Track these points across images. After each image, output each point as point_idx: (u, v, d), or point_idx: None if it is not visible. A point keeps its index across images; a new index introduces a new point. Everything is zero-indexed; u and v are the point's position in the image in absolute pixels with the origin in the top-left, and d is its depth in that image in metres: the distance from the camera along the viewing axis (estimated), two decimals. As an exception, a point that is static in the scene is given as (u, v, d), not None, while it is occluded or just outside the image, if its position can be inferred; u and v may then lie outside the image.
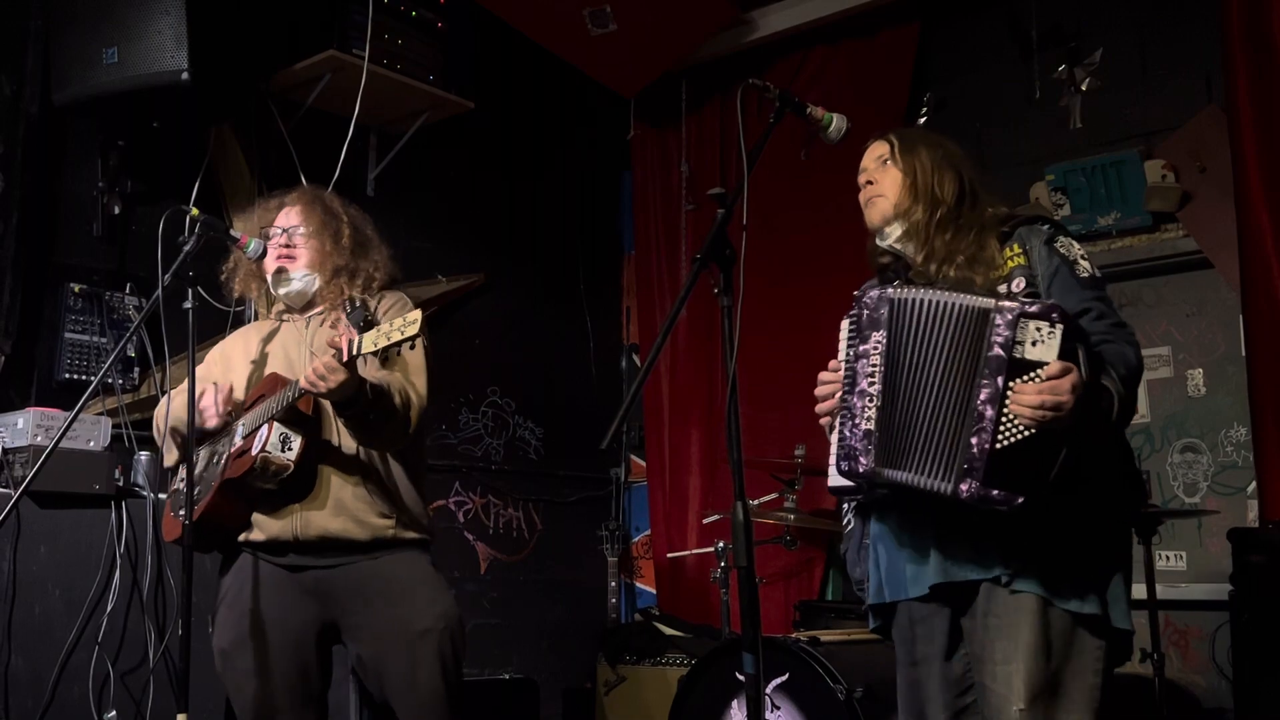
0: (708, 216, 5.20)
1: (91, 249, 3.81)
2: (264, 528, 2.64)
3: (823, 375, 2.22)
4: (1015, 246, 2.17)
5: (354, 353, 2.39)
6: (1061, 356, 1.92)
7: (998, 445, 1.93)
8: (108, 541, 3.21)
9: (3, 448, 3.15)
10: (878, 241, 2.35)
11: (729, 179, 5.12)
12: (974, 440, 1.95)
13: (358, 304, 2.64)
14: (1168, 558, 4.12)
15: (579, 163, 5.60)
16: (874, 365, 2.08)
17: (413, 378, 2.69)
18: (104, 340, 3.69)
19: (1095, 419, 1.99)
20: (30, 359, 3.59)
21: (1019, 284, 2.12)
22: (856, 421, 2.08)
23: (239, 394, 2.78)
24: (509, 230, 5.23)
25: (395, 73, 4.22)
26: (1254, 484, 3.84)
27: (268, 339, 2.84)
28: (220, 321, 3.97)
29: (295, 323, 2.84)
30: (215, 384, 2.75)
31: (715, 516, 4.47)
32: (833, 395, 2.16)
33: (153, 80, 3.49)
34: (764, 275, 4.74)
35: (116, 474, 3.27)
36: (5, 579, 3.01)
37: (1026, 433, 1.93)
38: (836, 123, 2.38)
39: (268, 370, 2.76)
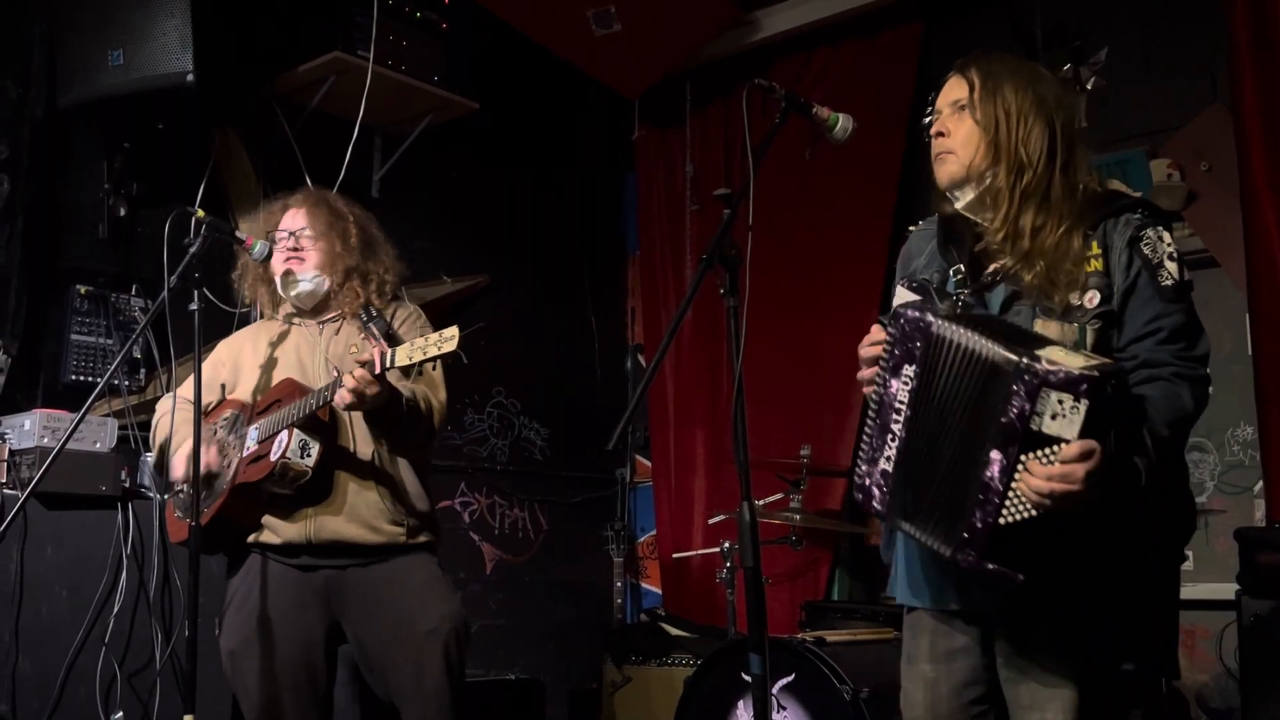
0: (712, 217, 5.19)
1: (97, 251, 3.81)
2: (277, 531, 2.66)
3: (864, 353, 2.00)
4: (1096, 245, 1.93)
5: (388, 366, 2.42)
6: (1086, 433, 1.69)
7: (1000, 521, 1.76)
8: (114, 543, 3.21)
9: (9, 449, 3.16)
10: (947, 195, 2.09)
11: (733, 179, 5.11)
12: (977, 513, 1.78)
13: (375, 313, 2.66)
14: (1174, 557, 4.11)
15: (583, 163, 5.60)
16: (902, 403, 1.90)
17: (433, 389, 2.75)
18: (110, 342, 3.69)
19: (1118, 495, 1.78)
20: (36, 361, 3.60)
21: (1091, 299, 1.90)
22: (876, 458, 1.95)
23: (245, 397, 2.78)
24: (513, 231, 5.23)
25: (400, 74, 4.22)
26: (1260, 483, 3.83)
27: (276, 342, 2.84)
28: (226, 323, 3.97)
29: (306, 327, 2.85)
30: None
31: (721, 517, 4.47)
32: (868, 398, 1.99)
33: (158, 82, 3.50)
34: (770, 276, 4.74)
35: (123, 475, 3.28)
36: (12, 580, 3.02)
37: (1031, 513, 1.74)
38: (842, 123, 2.35)
39: (279, 374, 2.76)
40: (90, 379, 3.61)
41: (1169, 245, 1.93)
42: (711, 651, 3.55)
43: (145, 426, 3.70)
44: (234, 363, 2.89)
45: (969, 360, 1.82)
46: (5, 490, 3.07)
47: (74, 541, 3.15)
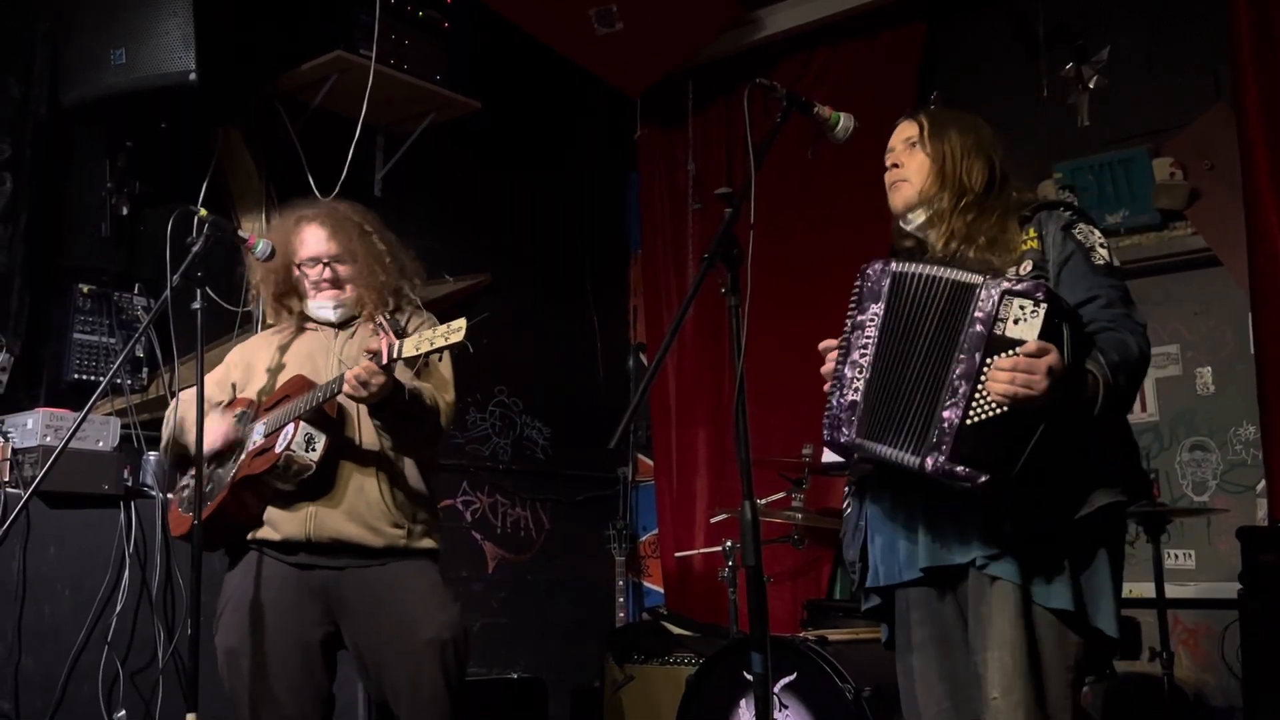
0: (714, 216, 5.20)
1: (100, 250, 3.82)
2: (277, 526, 2.65)
3: (824, 344, 2.20)
4: (1031, 230, 2.14)
5: (394, 356, 2.40)
6: (1044, 337, 1.89)
7: (968, 421, 1.91)
8: (117, 541, 3.22)
9: (12, 448, 3.16)
10: (901, 225, 2.30)
11: (735, 178, 5.11)
12: (945, 414, 1.94)
13: (389, 315, 2.65)
14: (1176, 556, 4.11)
15: (585, 162, 5.60)
16: (868, 337, 2.08)
17: (441, 388, 2.73)
18: (113, 341, 3.70)
19: (1077, 405, 1.95)
20: (39, 360, 3.60)
21: (1026, 267, 2.09)
22: (844, 392, 2.08)
23: (253, 396, 2.79)
24: (515, 230, 5.23)
25: (402, 73, 4.22)
26: (1263, 482, 3.82)
27: (290, 346, 2.83)
28: (228, 322, 3.99)
29: (321, 332, 2.84)
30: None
31: (723, 515, 4.47)
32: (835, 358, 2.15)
33: (160, 81, 3.50)
34: (771, 274, 4.74)
35: (125, 474, 3.28)
36: (15, 579, 3.02)
37: (998, 410, 1.90)
38: (844, 122, 2.36)
39: (290, 375, 2.76)
40: (93, 378, 3.61)
41: (1099, 236, 2.14)
42: (713, 650, 3.55)
43: (148, 425, 3.72)
44: (246, 364, 2.88)
45: (934, 284, 2.03)
46: (8, 489, 3.07)
47: (76, 540, 3.16)
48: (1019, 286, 1.93)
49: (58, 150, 3.72)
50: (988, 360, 1.91)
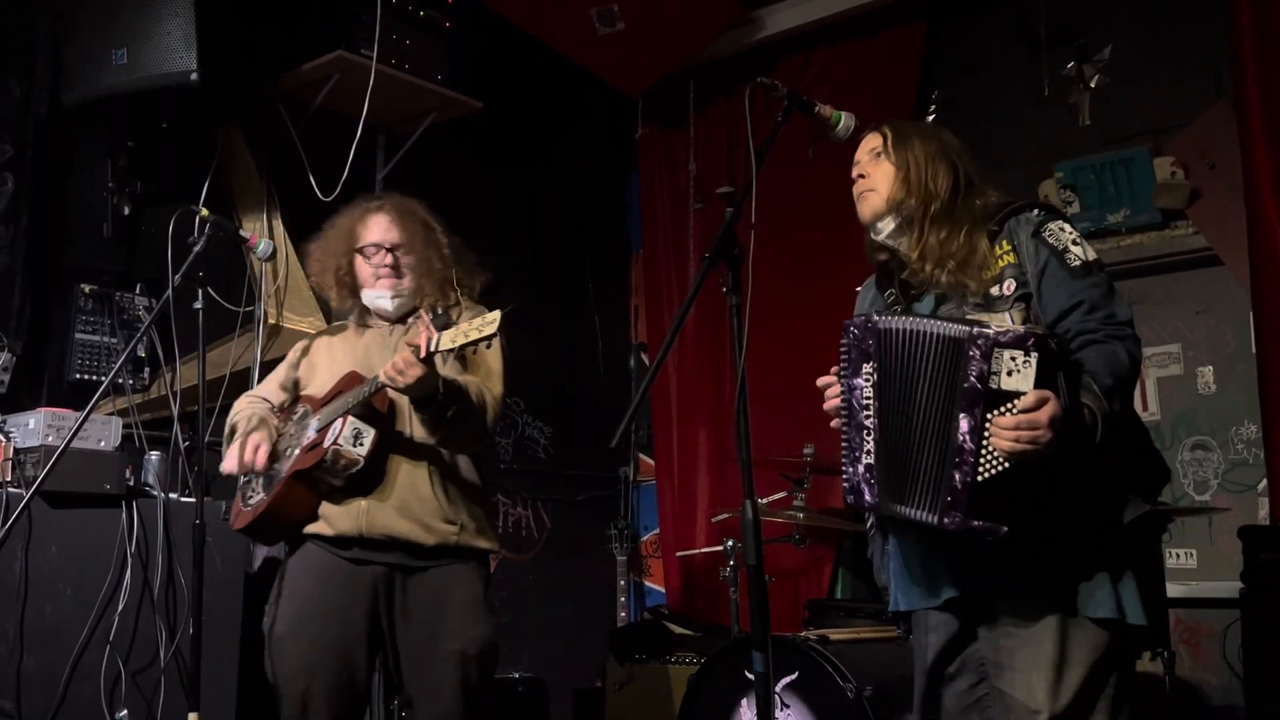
0: (715, 215, 5.20)
1: (101, 250, 3.82)
2: (331, 522, 2.67)
3: (822, 380, 2.21)
4: (1005, 243, 2.13)
5: (432, 349, 2.41)
6: (1040, 384, 1.87)
7: (978, 479, 1.91)
8: (118, 541, 3.22)
9: (14, 448, 3.16)
10: (871, 236, 2.31)
11: (737, 178, 5.11)
12: (956, 475, 1.93)
13: (439, 311, 2.67)
14: (1178, 555, 4.11)
15: (586, 162, 5.61)
16: (868, 398, 2.07)
17: (489, 380, 2.74)
18: (114, 341, 3.70)
19: (1078, 438, 1.94)
20: (41, 360, 3.61)
21: (1009, 286, 2.08)
22: (858, 456, 2.09)
23: (315, 394, 2.82)
24: (516, 230, 5.23)
25: (403, 73, 4.22)
26: (1264, 481, 3.82)
27: (348, 344, 2.88)
28: (230, 321, 3.99)
29: (379, 329, 2.87)
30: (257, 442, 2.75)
31: (724, 515, 4.47)
32: (837, 410, 2.16)
33: (162, 81, 3.50)
34: (773, 274, 4.74)
35: (127, 474, 3.28)
36: (17, 579, 3.02)
37: (1006, 465, 1.90)
38: (845, 121, 2.37)
39: (345, 371, 2.79)
40: (94, 378, 3.61)
41: (1070, 233, 2.13)
42: (715, 650, 3.55)
43: (150, 425, 3.73)
44: (308, 362, 2.91)
45: (922, 341, 2.00)
46: (10, 489, 3.07)
47: (78, 540, 3.16)
48: (1006, 338, 1.90)
49: (59, 150, 3.72)
50: (988, 416, 1.90)
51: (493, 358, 2.77)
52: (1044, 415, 1.86)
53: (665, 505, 5.30)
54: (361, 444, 2.58)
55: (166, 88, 3.52)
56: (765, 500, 4.48)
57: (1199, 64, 4.18)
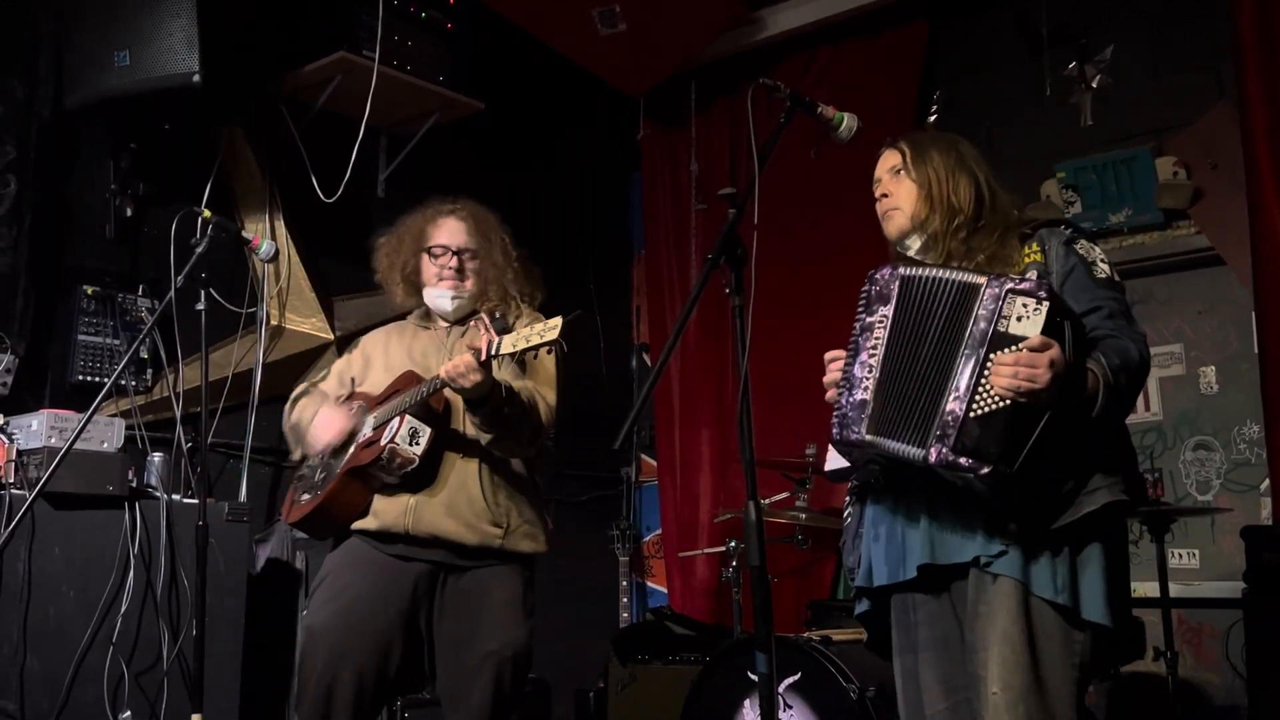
0: (717, 216, 5.20)
1: (104, 251, 3.82)
2: (378, 514, 2.67)
3: (830, 354, 2.23)
4: (1034, 245, 2.18)
5: (493, 353, 2.43)
6: (1046, 333, 1.93)
7: (971, 413, 1.95)
8: (121, 542, 3.22)
9: (17, 449, 3.16)
10: (899, 251, 2.34)
11: (739, 178, 5.11)
12: (949, 407, 1.97)
13: (498, 315, 2.68)
14: (1180, 556, 4.11)
15: (588, 163, 5.60)
16: (877, 338, 2.11)
17: (542, 387, 2.76)
18: (117, 342, 3.70)
19: (1078, 402, 1.99)
20: (44, 361, 3.61)
21: (1032, 275, 2.09)
22: (854, 391, 2.11)
23: (371, 391, 2.83)
24: (518, 230, 5.19)
25: (405, 74, 4.23)
26: (1267, 481, 3.83)
27: (405, 343, 2.89)
28: (233, 322, 3.99)
29: (437, 330, 2.89)
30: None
31: (727, 515, 4.47)
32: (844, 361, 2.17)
33: (164, 83, 3.51)
34: (775, 274, 4.74)
35: (130, 475, 3.28)
36: (20, 580, 3.02)
37: (1001, 403, 1.94)
38: (847, 122, 2.38)
39: (402, 370, 2.80)
40: (97, 379, 3.61)
41: (1099, 253, 2.20)
42: (717, 650, 3.56)
43: (152, 426, 3.73)
44: (365, 359, 2.93)
45: (941, 286, 2.07)
46: (13, 490, 3.07)
47: (81, 541, 3.16)
48: (1022, 285, 1.97)
49: (61, 152, 3.73)
50: (991, 356, 1.96)
51: (549, 363, 2.80)
52: (1044, 357, 1.91)
53: (667, 506, 5.30)
54: (418, 443, 2.60)
55: (169, 89, 3.52)
56: (767, 501, 4.48)
57: (1200, 63, 4.18)
